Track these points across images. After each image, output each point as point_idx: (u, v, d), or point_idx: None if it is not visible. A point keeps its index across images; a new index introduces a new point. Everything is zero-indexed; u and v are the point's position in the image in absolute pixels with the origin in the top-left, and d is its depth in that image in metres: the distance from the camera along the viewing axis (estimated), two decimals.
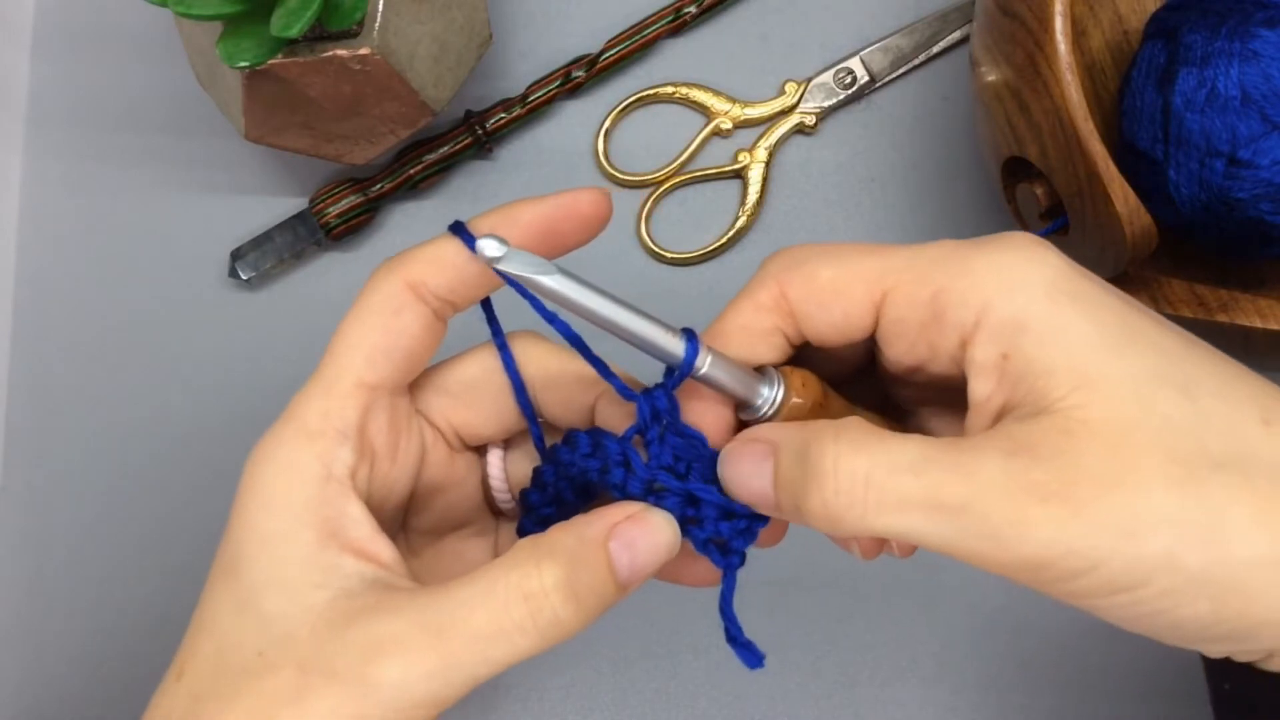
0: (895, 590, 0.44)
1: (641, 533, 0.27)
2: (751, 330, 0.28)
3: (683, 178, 0.48)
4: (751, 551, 0.41)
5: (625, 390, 0.28)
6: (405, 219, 0.48)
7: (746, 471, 0.27)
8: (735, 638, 0.28)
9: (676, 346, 0.27)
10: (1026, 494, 0.23)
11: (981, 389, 0.25)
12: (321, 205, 0.47)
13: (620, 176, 0.48)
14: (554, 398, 0.31)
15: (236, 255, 0.47)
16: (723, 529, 0.28)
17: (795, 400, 0.28)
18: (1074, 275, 0.25)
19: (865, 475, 0.25)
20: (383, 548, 0.28)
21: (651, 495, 0.28)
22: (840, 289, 0.27)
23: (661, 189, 0.48)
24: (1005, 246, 0.26)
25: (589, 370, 0.29)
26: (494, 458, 0.32)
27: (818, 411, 0.28)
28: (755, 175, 0.47)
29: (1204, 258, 0.41)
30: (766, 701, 0.44)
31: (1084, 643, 0.44)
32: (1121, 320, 0.25)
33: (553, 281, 0.26)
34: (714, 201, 0.48)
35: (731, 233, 0.47)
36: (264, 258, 0.47)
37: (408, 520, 0.32)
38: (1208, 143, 0.37)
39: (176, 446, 0.47)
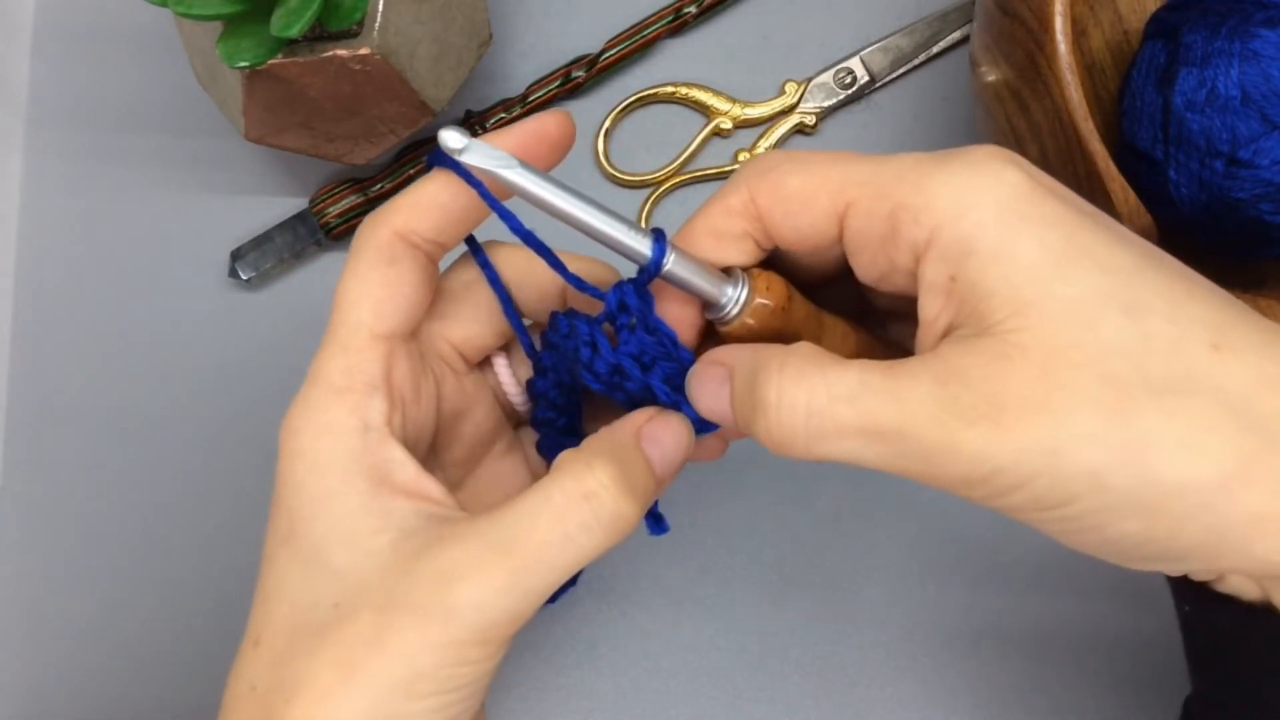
0: (895, 590, 0.44)
1: (665, 430, 0.29)
2: (721, 233, 0.29)
3: (683, 178, 0.48)
4: (752, 552, 0.41)
5: (581, 284, 0.30)
6: None
7: (710, 392, 0.29)
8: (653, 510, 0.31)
9: (644, 245, 0.28)
10: (955, 417, 0.24)
11: (930, 308, 0.26)
12: (321, 205, 0.47)
13: (620, 176, 0.48)
14: (534, 297, 0.32)
15: (236, 255, 0.47)
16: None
17: (760, 301, 0.28)
18: (1030, 193, 0.25)
19: (805, 404, 0.26)
20: (431, 485, 0.29)
21: (617, 376, 0.29)
22: (806, 198, 0.27)
23: (661, 189, 0.48)
24: (965, 163, 0.26)
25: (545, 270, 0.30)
26: (500, 364, 0.34)
27: (781, 315, 0.29)
28: None
29: (1204, 258, 0.41)
30: (766, 701, 0.44)
31: (1084, 644, 0.44)
32: (1069, 240, 0.25)
33: (514, 175, 0.28)
34: None
35: None
36: (264, 258, 0.47)
37: (440, 456, 0.33)
38: (1208, 143, 0.37)
39: (177, 446, 0.47)
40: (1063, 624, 0.44)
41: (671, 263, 0.28)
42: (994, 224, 0.25)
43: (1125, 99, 0.40)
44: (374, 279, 0.29)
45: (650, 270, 0.28)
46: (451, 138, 0.27)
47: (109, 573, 0.46)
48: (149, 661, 0.45)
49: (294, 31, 0.36)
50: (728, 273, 0.29)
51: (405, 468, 0.28)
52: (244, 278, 0.47)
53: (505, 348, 0.34)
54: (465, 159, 0.28)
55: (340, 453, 0.28)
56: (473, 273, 0.32)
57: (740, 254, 0.29)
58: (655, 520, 0.31)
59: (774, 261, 0.30)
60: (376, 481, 0.28)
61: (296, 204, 0.48)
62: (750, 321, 0.29)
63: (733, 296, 0.29)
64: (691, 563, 0.45)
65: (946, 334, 0.26)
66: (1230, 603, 0.27)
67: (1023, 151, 0.38)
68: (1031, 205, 0.25)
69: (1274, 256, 0.40)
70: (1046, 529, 0.25)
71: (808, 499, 0.45)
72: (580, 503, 0.27)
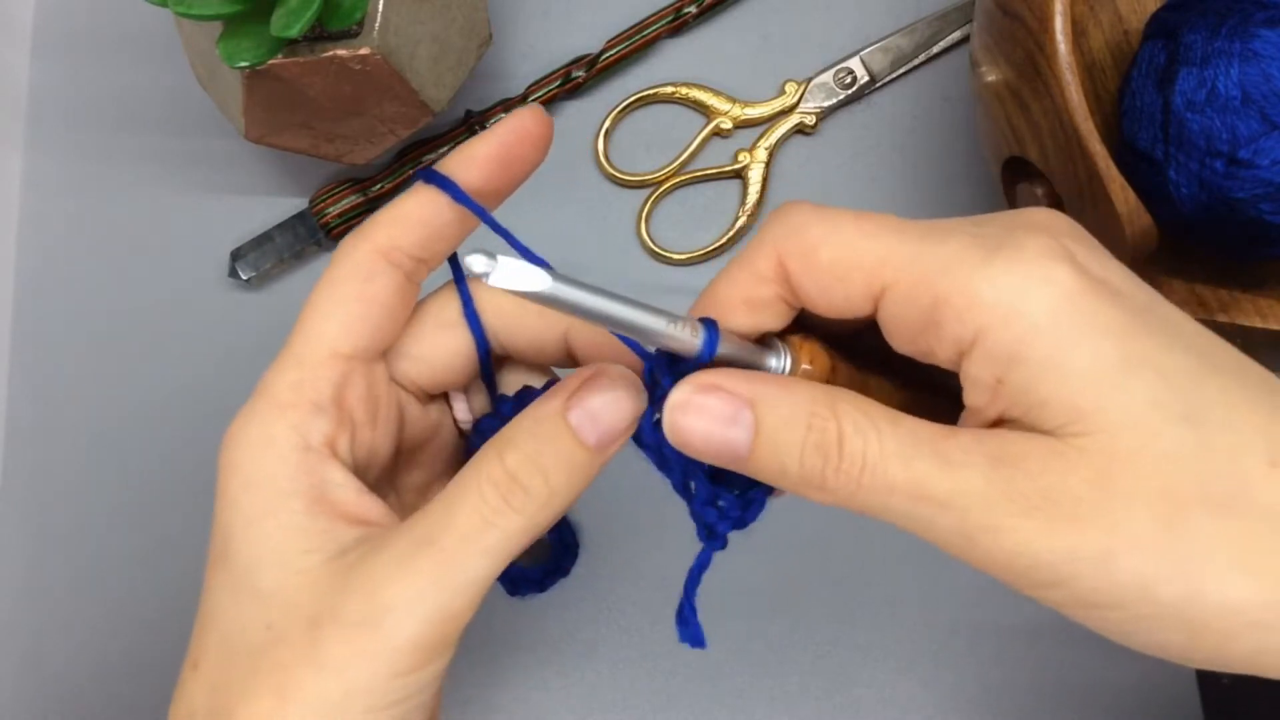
0: (895, 590, 0.44)
1: (599, 398, 0.27)
2: (753, 302, 0.27)
3: (683, 178, 0.48)
4: (752, 552, 0.41)
5: (631, 342, 0.27)
6: None
7: (711, 424, 0.25)
8: (684, 614, 0.29)
9: (693, 337, 0.26)
10: (1007, 502, 0.23)
11: (976, 400, 0.25)
12: (321, 205, 0.47)
13: (620, 176, 0.48)
14: (521, 340, 0.31)
15: (236, 255, 0.47)
16: (713, 511, 0.28)
17: (805, 368, 0.27)
18: (1081, 295, 0.24)
19: (863, 456, 0.25)
20: (373, 508, 0.28)
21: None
22: (839, 275, 0.26)
23: (661, 189, 0.48)
24: (1014, 260, 0.24)
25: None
26: (458, 402, 0.33)
27: (828, 381, 0.28)
28: (755, 175, 0.47)
29: (1204, 258, 0.41)
30: (766, 701, 0.44)
31: (1085, 644, 0.44)
32: (1125, 348, 0.24)
33: (553, 290, 0.25)
34: (714, 201, 0.48)
35: (731, 233, 0.47)
36: (264, 258, 0.47)
37: (398, 480, 0.32)
38: (1208, 143, 0.37)
39: (177, 446, 0.47)
40: (1063, 624, 0.44)
41: (719, 350, 0.27)
42: (1045, 332, 0.24)
43: (1125, 99, 0.40)
44: (348, 295, 0.28)
45: (702, 361, 0.26)
46: (478, 262, 0.25)
47: (109, 573, 0.46)
48: (149, 662, 0.45)
49: (294, 31, 0.36)
50: (765, 342, 0.28)
51: (345, 490, 0.27)
52: (244, 278, 0.47)
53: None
54: (495, 282, 0.25)
55: (276, 470, 0.27)
56: (453, 312, 0.30)
57: (774, 318, 0.27)
58: (691, 630, 0.29)
59: (803, 316, 0.29)
60: (312, 501, 0.27)
61: (296, 204, 0.48)
62: None
63: (776, 368, 0.27)
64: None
65: (995, 423, 0.25)
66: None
67: (1023, 151, 0.38)
68: (1083, 311, 0.24)
69: (1274, 256, 0.40)
70: (1081, 620, 0.25)
71: (807, 500, 0.45)
72: (490, 488, 0.26)
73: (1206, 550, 0.23)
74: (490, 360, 0.31)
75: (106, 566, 0.46)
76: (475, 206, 0.28)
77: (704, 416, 0.25)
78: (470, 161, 0.29)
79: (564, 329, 0.30)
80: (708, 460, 0.26)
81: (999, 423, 0.25)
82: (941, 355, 0.25)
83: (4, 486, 0.47)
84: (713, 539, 0.29)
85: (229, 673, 0.26)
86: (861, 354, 0.29)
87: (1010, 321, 0.24)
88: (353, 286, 0.28)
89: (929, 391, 0.30)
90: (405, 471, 0.32)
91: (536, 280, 0.24)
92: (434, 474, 0.33)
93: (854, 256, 0.26)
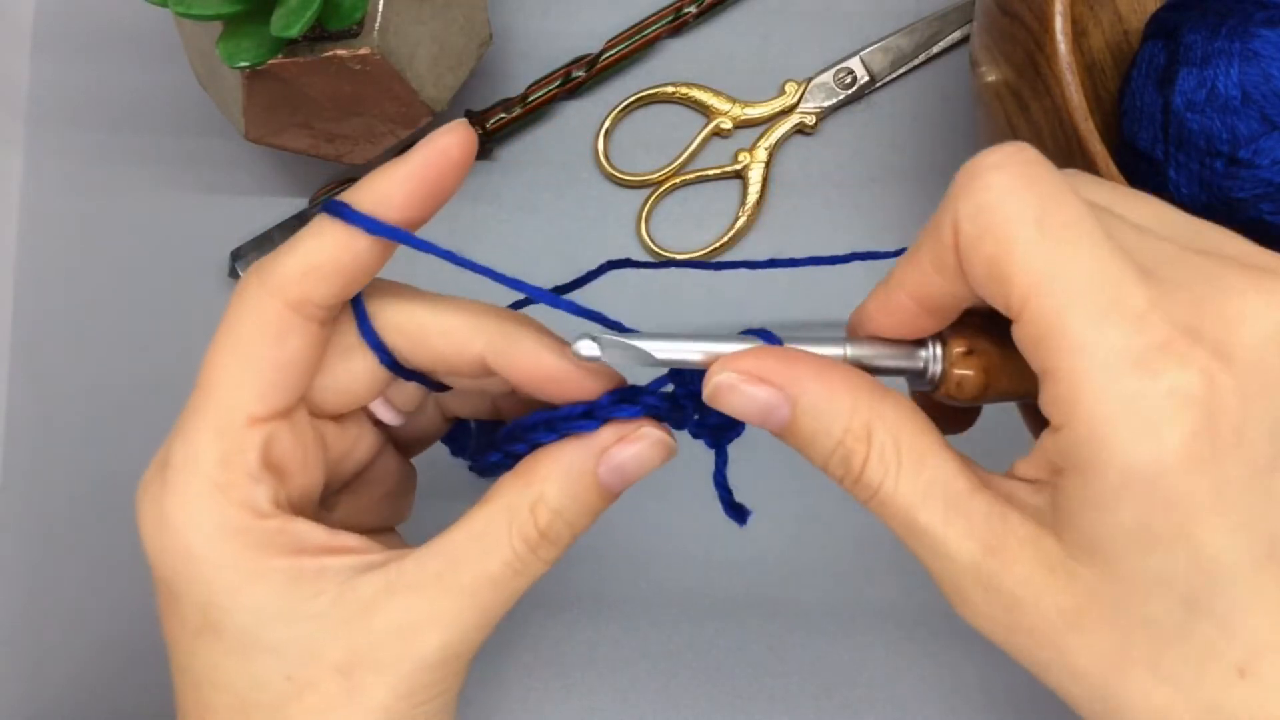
0: (895, 590, 0.44)
1: (633, 457, 0.27)
2: (923, 300, 0.26)
3: (683, 178, 0.48)
4: (752, 551, 0.41)
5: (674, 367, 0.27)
6: None
7: (756, 405, 0.26)
8: (727, 502, 0.30)
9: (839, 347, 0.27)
10: (984, 591, 0.24)
11: (1040, 455, 0.24)
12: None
13: (620, 176, 0.48)
14: (426, 358, 0.28)
15: (236, 255, 0.47)
16: (709, 422, 0.29)
17: (958, 372, 0.26)
18: (1193, 459, 0.21)
19: (878, 488, 0.25)
20: (345, 538, 0.28)
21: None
22: (989, 271, 0.24)
23: (661, 189, 0.48)
24: (1149, 387, 0.21)
25: (454, 320, 0.28)
26: (379, 408, 0.31)
27: (991, 378, 0.27)
28: (755, 175, 0.47)
29: None
30: (766, 701, 0.44)
31: None
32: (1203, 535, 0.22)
33: (659, 353, 0.26)
34: (714, 201, 0.48)
35: (731, 233, 0.47)
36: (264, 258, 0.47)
37: (342, 501, 0.31)
38: (1208, 143, 0.37)
39: None
40: None
41: (849, 353, 0.27)
42: (1132, 486, 0.22)
43: (1125, 99, 0.40)
44: (260, 359, 0.26)
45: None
46: (587, 347, 0.26)
47: (109, 573, 0.46)
48: (149, 662, 0.45)
49: (294, 31, 0.36)
50: (920, 343, 0.27)
51: (314, 533, 0.27)
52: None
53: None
54: (606, 360, 0.26)
55: (241, 548, 0.26)
56: (352, 335, 0.28)
57: (933, 320, 0.27)
58: (737, 512, 0.30)
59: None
60: (293, 555, 0.26)
61: (296, 204, 0.48)
62: (957, 393, 0.27)
63: (928, 374, 0.27)
64: (691, 563, 0.45)
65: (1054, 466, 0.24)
66: None
67: None
68: (1181, 476, 0.21)
69: None
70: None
71: (807, 498, 0.45)
72: (523, 543, 0.27)
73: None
74: (400, 366, 0.29)
75: (106, 566, 0.46)
76: (423, 245, 0.26)
77: (743, 399, 0.26)
78: (387, 202, 0.26)
79: (480, 348, 0.28)
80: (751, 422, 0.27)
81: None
82: (1044, 408, 0.23)
83: (4, 486, 0.47)
84: (720, 439, 0.29)
85: None
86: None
87: (1109, 454, 0.22)
88: (264, 350, 0.26)
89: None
90: (353, 493, 0.32)
91: (641, 357, 0.26)
92: (360, 480, 0.32)
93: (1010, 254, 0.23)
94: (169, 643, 0.28)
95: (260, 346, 0.26)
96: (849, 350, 0.26)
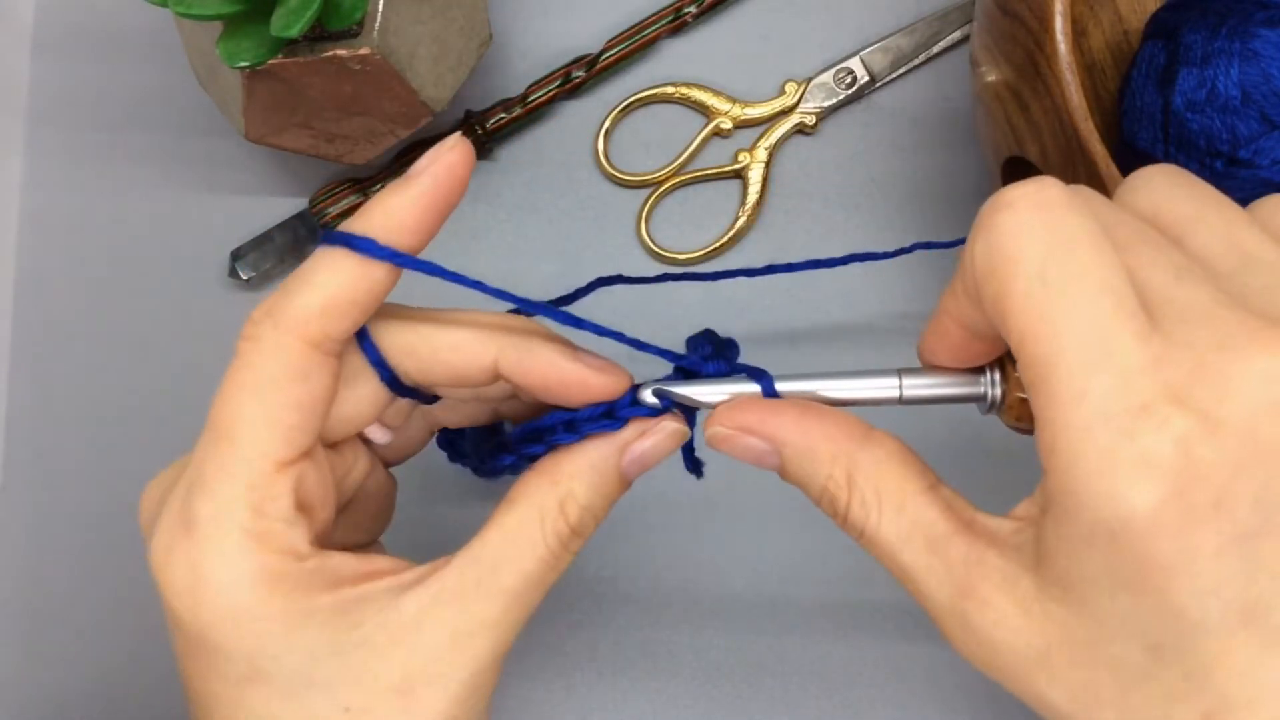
0: (895, 590, 0.44)
1: (653, 447, 0.29)
2: (966, 331, 0.27)
3: (683, 178, 0.48)
4: (752, 551, 0.41)
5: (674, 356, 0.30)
6: None
7: (750, 453, 0.28)
8: (688, 456, 0.31)
9: (891, 385, 0.28)
10: (960, 630, 0.25)
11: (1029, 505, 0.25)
12: (321, 205, 0.47)
13: (620, 176, 0.48)
14: (440, 375, 0.29)
15: (236, 255, 0.47)
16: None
17: (1017, 396, 0.27)
18: (1169, 530, 0.21)
19: (861, 529, 0.27)
20: (377, 563, 0.28)
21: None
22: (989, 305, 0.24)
23: (661, 189, 0.48)
24: (1136, 461, 0.21)
25: (463, 336, 0.28)
26: (373, 430, 0.31)
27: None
28: (755, 175, 0.47)
29: None
30: (766, 701, 0.44)
31: None
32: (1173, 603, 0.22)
33: (738, 390, 0.29)
34: (714, 201, 0.48)
35: (731, 233, 0.47)
36: (264, 258, 0.47)
37: (339, 523, 0.31)
38: (1208, 143, 0.37)
39: (177, 446, 0.47)
40: None
41: (906, 391, 0.28)
42: (1098, 547, 0.22)
43: (1125, 99, 0.40)
44: (285, 403, 0.26)
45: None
46: (650, 396, 0.28)
47: (109, 573, 0.46)
48: (149, 662, 0.45)
49: (294, 31, 0.36)
50: (979, 370, 0.28)
51: (348, 563, 0.27)
52: (244, 278, 0.47)
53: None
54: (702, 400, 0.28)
55: (288, 595, 0.26)
56: (356, 360, 0.28)
57: (981, 351, 0.27)
58: (694, 464, 0.31)
59: None
60: (334, 590, 0.27)
61: (296, 204, 0.48)
62: (1017, 422, 0.27)
63: (988, 399, 0.28)
64: (690, 563, 0.45)
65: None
66: None
67: (1023, 151, 0.38)
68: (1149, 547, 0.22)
69: None
70: None
71: (807, 499, 0.45)
72: (556, 539, 0.28)
73: None
74: (400, 384, 0.29)
75: (106, 566, 0.46)
76: (449, 274, 0.27)
77: (738, 448, 0.28)
78: (399, 227, 0.26)
79: (491, 360, 0.28)
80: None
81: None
82: (1038, 449, 0.24)
83: (4, 485, 0.47)
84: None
85: None
86: None
87: (1081, 512, 0.22)
88: (288, 392, 0.26)
89: None
90: (357, 513, 0.32)
91: (709, 395, 0.29)
92: (354, 500, 0.32)
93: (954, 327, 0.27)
94: (202, 694, 0.27)
95: (284, 389, 0.26)
96: (905, 383, 0.28)
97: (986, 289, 0.23)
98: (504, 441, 0.31)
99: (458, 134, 0.27)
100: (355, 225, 0.26)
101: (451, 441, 0.35)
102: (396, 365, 0.28)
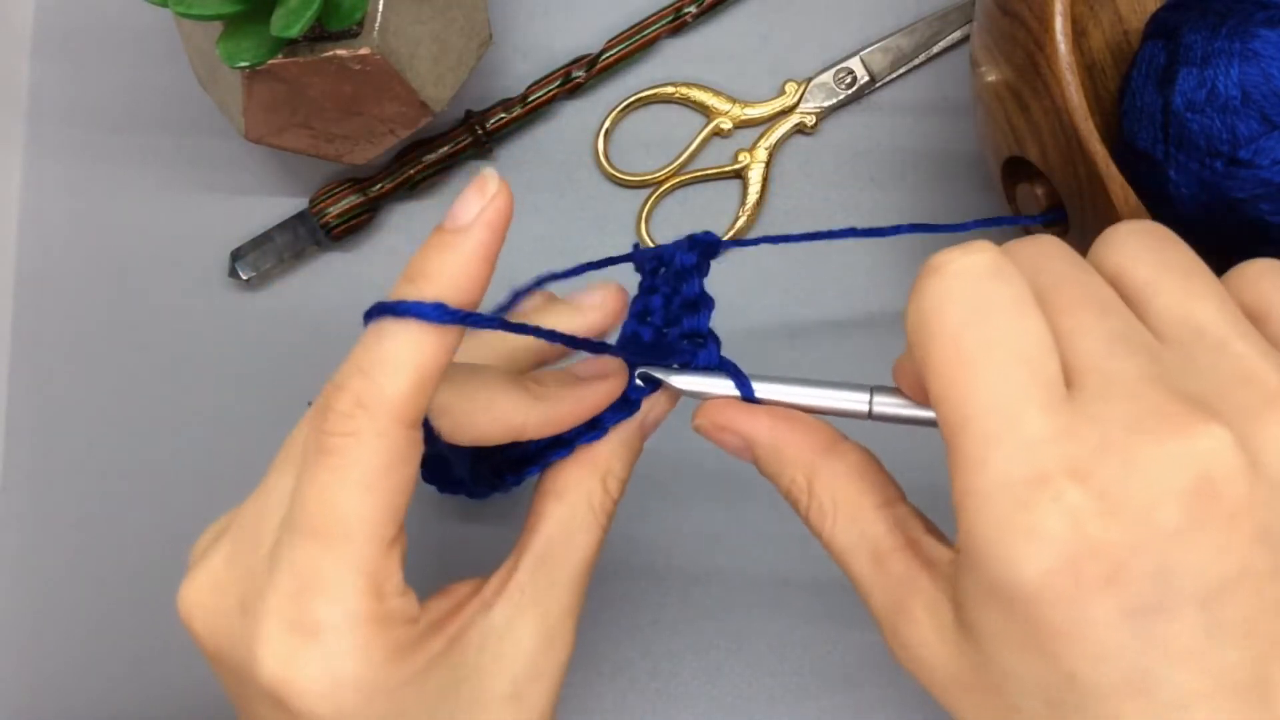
0: None
1: (662, 414, 0.32)
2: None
3: (683, 178, 0.48)
4: (751, 551, 0.41)
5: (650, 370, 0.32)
6: (405, 219, 0.48)
7: (729, 446, 0.31)
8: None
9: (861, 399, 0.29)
10: (890, 635, 0.27)
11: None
12: (321, 205, 0.47)
13: (620, 176, 0.48)
14: (473, 437, 0.29)
15: (236, 255, 0.47)
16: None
17: None
18: (1071, 600, 0.22)
19: (819, 531, 0.29)
20: (455, 593, 0.30)
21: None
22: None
23: (661, 189, 0.48)
24: (1037, 532, 0.22)
25: (499, 399, 0.29)
26: None
27: None
28: (755, 175, 0.47)
29: (1204, 258, 0.41)
30: (766, 701, 0.44)
31: None
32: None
33: (680, 385, 0.31)
34: (714, 201, 0.48)
35: (731, 233, 0.47)
36: (264, 258, 0.47)
37: None
38: (1208, 143, 0.37)
39: (176, 446, 0.47)
40: None
41: (876, 408, 0.29)
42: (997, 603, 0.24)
43: (1125, 99, 0.40)
44: (394, 488, 0.26)
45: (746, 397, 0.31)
46: (682, 382, 0.31)
47: (109, 573, 0.46)
48: (150, 662, 0.45)
49: (294, 31, 0.36)
50: None
51: (436, 605, 0.29)
52: (244, 278, 0.47)
53: None
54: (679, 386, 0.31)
55: (410, 659, 0.27)
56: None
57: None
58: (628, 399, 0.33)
59: None
60: (439, 635, 0.28)
61: (296, 204, 0.48)
62: None
63: None
64: (690, 563, 0.45)
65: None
66: None
67: (1023, 151, 0.38)
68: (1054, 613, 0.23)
69: (1274, 257, 0.40)
70: None
71: None
72: (604, 513, 0.31)
73: None
74: (437, 440, 0.29)
75: (107, 567, 0.46)
76: (530, 329, 0.28)
77: (720, 441, 0.31)
78: (470, 283, 0.26)
79: (522, 421, 0.29)
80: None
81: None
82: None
83: (4, 486, 0.47)
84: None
85: None
86: None
87: (987, 574, 0.23)
88: (396, 479, 0.26)
89: None
90: None
91: (724, 383, 0.31)
92: None
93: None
94: None
95: (393, 477, 0.26)
96: (876, 400, 0.29)
97: (914, 351, 0.24)
98: (526, 455, 0.32)
99: (494, 173, 0.27)
100: (413, 291, 0.26)
101: (441, 474, 0.35)
102: (434, 425, 0.28)
